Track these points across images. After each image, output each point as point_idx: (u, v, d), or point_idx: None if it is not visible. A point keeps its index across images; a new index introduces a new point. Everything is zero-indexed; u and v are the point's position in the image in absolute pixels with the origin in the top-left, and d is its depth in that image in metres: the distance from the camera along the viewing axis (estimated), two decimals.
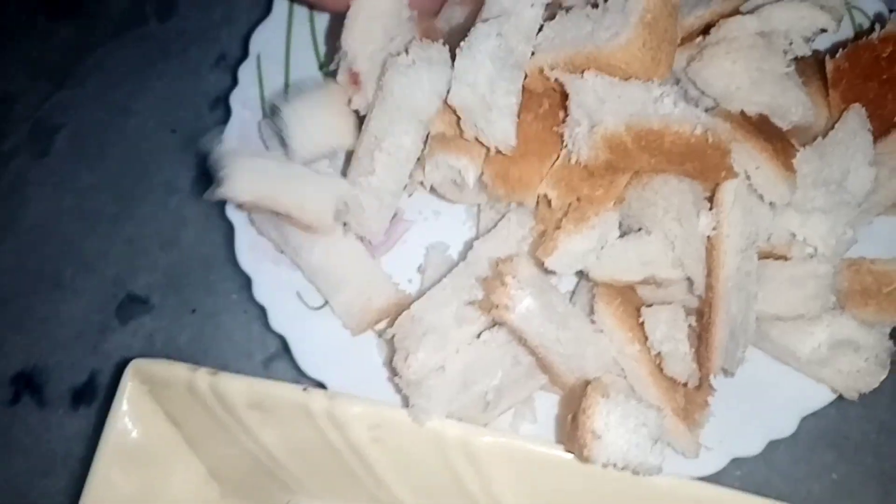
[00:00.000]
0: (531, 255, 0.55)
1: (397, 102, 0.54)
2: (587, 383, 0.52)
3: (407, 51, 0.54)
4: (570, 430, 0.52)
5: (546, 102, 0.53)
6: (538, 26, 0.55)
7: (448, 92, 0.53)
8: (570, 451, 0.52)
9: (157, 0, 0.84)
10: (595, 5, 0.53)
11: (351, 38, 0.57)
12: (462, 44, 0.52)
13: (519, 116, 0.52)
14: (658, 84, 0.49)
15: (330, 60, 0.66)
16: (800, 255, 0.55)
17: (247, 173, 0.57)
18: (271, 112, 0.63)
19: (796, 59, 0.59)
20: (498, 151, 0.54)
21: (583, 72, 0.50)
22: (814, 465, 0.64)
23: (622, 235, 0.55)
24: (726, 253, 0.52)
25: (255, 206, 0.59)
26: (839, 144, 0.56)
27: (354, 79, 0.59)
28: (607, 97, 0.49)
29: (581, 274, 0.57)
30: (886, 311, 0.59)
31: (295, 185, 0.58)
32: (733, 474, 0.63)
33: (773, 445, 0.63)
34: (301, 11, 0.71)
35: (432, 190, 0.61)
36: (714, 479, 0.59)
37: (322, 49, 0.71)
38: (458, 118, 0.53)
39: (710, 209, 0.53)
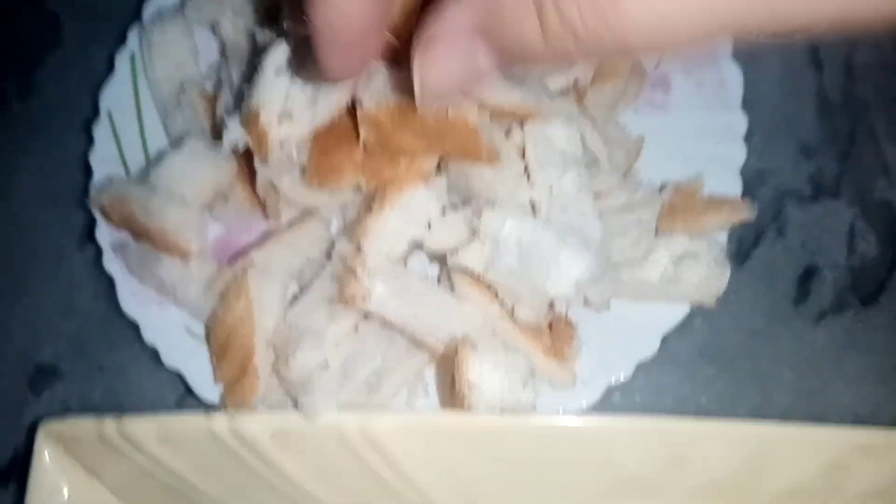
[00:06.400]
0: (350, 238, 0.59)
1: None
2: (457, 345, 0.56)
3: None
4: (450, 389, 0.56)
5: None
6: None
7: None
8: (452, 408, 0.56)
9: (17, 79, 0.86)
10: None
11: None
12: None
13: None
14: None
15: None
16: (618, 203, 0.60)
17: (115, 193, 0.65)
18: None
19: None
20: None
21: None
22: (698, 381, 0.69)
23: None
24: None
25: (125, 224, 0.64)
26: None
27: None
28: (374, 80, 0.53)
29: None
30: (705, 216, 0.64)
31: (158, 208, 0.63)
32: (633, 400, 0.68)
33: (661, 370, 0.68)
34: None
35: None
36: (610, 407, 0.65)
37: None
38: None
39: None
